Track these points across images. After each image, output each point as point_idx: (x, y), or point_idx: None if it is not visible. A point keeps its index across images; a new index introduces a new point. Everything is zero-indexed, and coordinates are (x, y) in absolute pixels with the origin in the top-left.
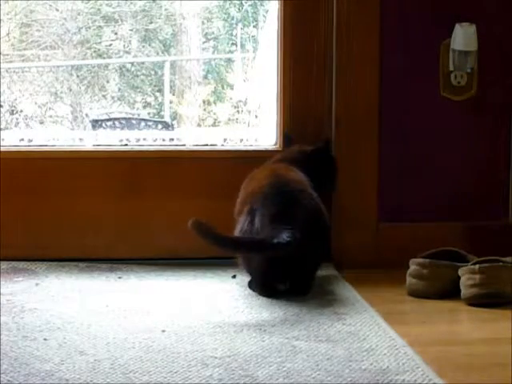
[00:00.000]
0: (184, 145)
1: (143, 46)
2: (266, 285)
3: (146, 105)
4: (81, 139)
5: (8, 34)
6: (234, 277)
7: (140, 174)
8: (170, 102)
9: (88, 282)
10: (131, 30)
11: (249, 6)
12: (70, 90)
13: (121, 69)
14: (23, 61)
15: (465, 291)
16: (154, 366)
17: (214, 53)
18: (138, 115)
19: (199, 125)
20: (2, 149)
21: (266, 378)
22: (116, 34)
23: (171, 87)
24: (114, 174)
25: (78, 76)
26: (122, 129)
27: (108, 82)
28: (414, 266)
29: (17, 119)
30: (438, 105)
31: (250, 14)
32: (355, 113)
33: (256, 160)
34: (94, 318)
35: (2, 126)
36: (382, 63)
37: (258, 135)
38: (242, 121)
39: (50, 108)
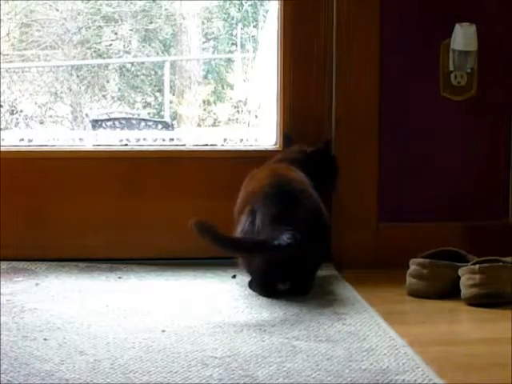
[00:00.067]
0: (184, 145)
1: (143, 46)
2: (266, 285)
3: (146, 105)
4: (81, 139)
5: (8, 34)
6: (234, 277)
7: (140, 174)
8: (170, 102)
9: (88, 282)
10: (131, 30)
11: (249, 5)
12: (70, 90)
13: (121, 69)
14: (23, 61)
15: (465, 291)
16: (154, 366)
17: (214, 53)
18: (138, 115)
19: (199, 125)
20: (2, 149)
21: (266, 377)
22: (116, 34)
23: (171, 87)
24: (114, 174)
25: (78, 76)
26: (122, 129)
27: (108, 82)
28: (414, 265)
29: (17, 119)
30: (438, 105)
31: (250, 14)
32: (355, 113)
33: (256, 160)
34: (93, 317)
35: (2, 126)
36: (382, 63)
37: (257, 135)
38: (242, 121)
39: (49, 108)
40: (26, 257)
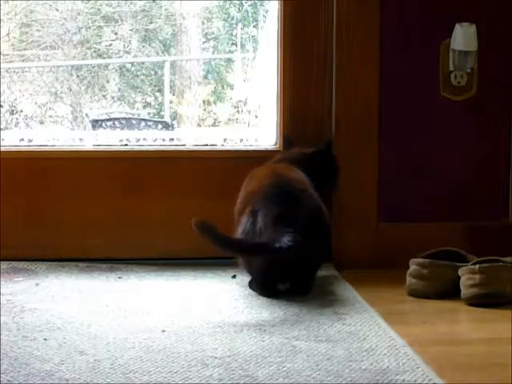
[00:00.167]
0: (184, 145)
1: (143, 46)
2: (267, 285)
3: (146, 105)
4: (81, 139)
5: (8, 34)
6: (234, 277)
7: (140, 174)
8: (170, 102)
9: (88, 282)
10: (131, 30)
11: (249, 6)
12: (70, 90)
13: (121, 69)
14: (23, 61)
15: (465, 291)
16: (154, 366)
17: (214, 53)
18: (138, 115)
19: (199, 125)
20: (2, 149)
21: (266, 377)
22: (116, 34)
23: (171, 87)
24: (114, 174)
25: (78, 76)
26: (122, 129)
27: (108, 82)
28: (414, 265)
29: (17, 119)
30: (438, 105)
31: (250, 14)
32: (355, 113)
33: (256, 160)
34: (93, 317)
35: (2, 126)
36: (381, 63)
37: (258, 135)
38: (242, 121)
39: (50, 108)
40: (25, 257)
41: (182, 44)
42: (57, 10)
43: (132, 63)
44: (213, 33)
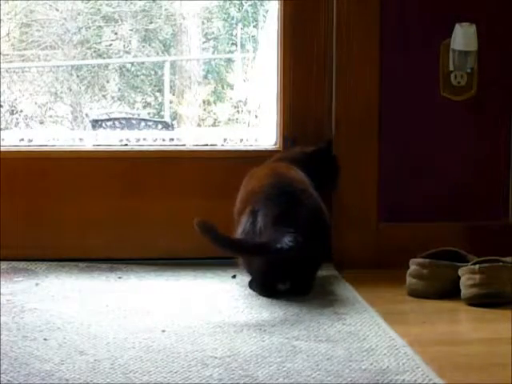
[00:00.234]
0: (184, 145)
1: (143, 46)
2: (267, 285)
3: (146, 105)
4: (81, 139)
5: (8, 34)
6: (234, 277)
7: (140, 174)
8: (170, 102)
9: (88, 282)
10: (131, 30)
11: (249, 5)
12: (70, 90)
13: (121, 69)
14: (23, 61)
15: (465, 291)
16: (154, 366)
17: (214, 53)
18: (138, 115)
19: (199, 125)
20: (2, 149)
21: (266, 377)
22: (116, 34)
23: (171, 87)
24: (114, 174)
25: (78, 76)
26: (122, 129)
27: (108, 82)
28: (413, 265)
29: (17, 119)
30: (438, 105)
31: (250, 14)
32: (355, 113)
33: (256, 160)
34: (93, 317)
35: (2, 126)
36: (382, 63)
37: (258, 135)
38: (242, 121)
39: (50, 108)
40: (26, 257)
41: (182, 44)
42: (57, 10)
43: (132, 63)
44: (213, 33)
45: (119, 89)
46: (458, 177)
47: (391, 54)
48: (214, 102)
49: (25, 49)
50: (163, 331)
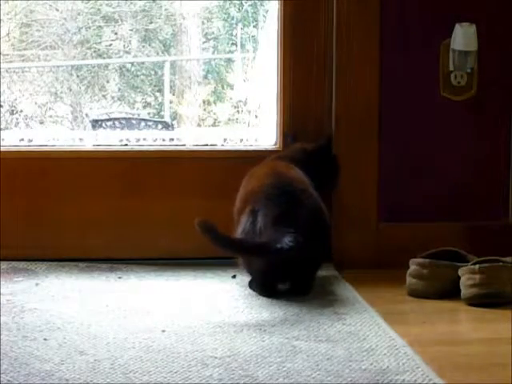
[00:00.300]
0: (184, 145)
1: (143, 46)
2: (267, 285)
3: (146, 105)
4: (81, 139)
5: (8, 34)
6: (234, 277)
7: (140, 174)
8: (170, 102)
9: (88, 282)
10: (131, 30)
11: (249, 5)
12: (70, 90)
13: (121, 69)
14: (23, 61)
15: (465, 291)
16: (154, 366)
17: (214, 53)
18: (138, 115)
19: (199, 125)
20: (2, 149)
21: (266, 377)
22: (116, 34)
23: (171, 87)
24: (114, 173)
25: (78, 76)
26: (122, 129)
27: (108, 82)
28: (413, 265)
29: (17, 119)
30: (438, 105)
31: (250, 14)
32: (355, 113)
33: (256, 160)
34: (93, 317)
35: (2, 126)
36: (382, 63)
37: (258, 135)
38: (242, 121)
39: (50, 108)
40: (26, 257)
41: (182, 44)
42: (57, 10)
43: (132, 63)
44: (213, 33)
45: (119, 89)
46: (458, 177)
47: (391, 54)
48: (214, 102)
49: (25, 49)
50: (163, 331)
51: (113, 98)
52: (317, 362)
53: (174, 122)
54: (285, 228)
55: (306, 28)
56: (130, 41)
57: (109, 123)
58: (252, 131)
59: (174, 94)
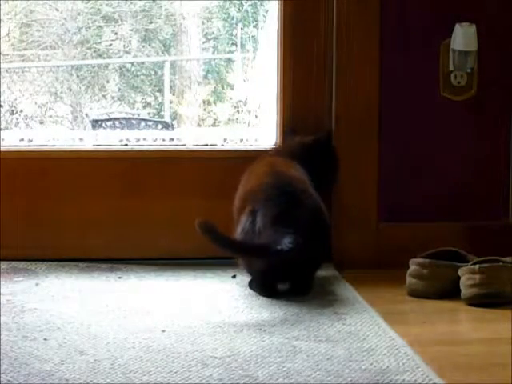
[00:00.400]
0: (184, 145)
1: (143, 46)
2: (267, 285)
3: (146, 105)
4: (81, 139)
5: (8, 34)
6: (234, 277)
7: (140, 174)
8: (170, 102)
9: (88, 282)
10: (131, 30)
11: (249, 6)
12: (70, 90)
13: (121, 69)
14: (23, 61)
15: (465, 291)
16: (154, 366)
17: (214, 53)
18: (138, 115)
19: (199, 125)
20: (2, 149)
21: (266, 377)
22: (116, 34)
23: (171, 87)
24: (114, 173)
25: (78, 76)
26: (122, 129)
27: (108, 82)
28: (413, 265)
29: (17, 119)
30: (438, 105)
31: (250, 14)
32: (355, 113)
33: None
34: (94, 317)
35: (2, 126)
36: (382, 63)
37: (258, 135)
38: (242, 121)
39: (50, 108)
40: (26, 257)
41: (182, 44)
42: (57, 10)
43: (132, 63)
44: (213, 33)
45: (119, 89)
46: (458, 177)
47: (391, 54)
48: (214, 102)
49: (25, 49)
50: (163, 331)
51: (113, 98)
52: (317, 362)
53: (174, 122)
54: (284, 228)
55: (306, 28)
56: (130, 41)
57: (109, 123)
58: (252, 131)
59: (174, 94)
